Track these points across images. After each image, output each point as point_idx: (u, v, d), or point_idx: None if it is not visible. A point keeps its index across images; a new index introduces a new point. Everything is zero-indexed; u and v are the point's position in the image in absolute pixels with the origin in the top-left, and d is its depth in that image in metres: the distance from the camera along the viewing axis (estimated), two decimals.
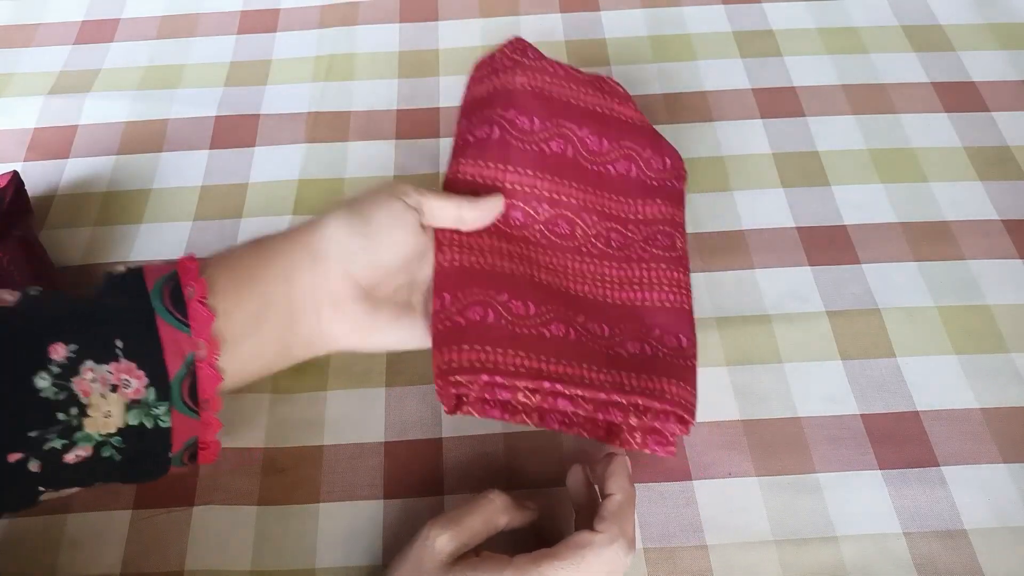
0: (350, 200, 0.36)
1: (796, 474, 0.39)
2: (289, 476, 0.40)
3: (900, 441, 0.40)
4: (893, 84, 0.54)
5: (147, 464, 0.32)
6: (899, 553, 0.37)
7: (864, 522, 0.38)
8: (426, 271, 0.38)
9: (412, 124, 0.53)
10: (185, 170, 0.51)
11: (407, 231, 0.36)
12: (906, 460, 0.39)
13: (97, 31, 0.60)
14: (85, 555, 0.37)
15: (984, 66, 0.55)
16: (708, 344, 0.43)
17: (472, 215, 0.38)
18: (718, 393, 0.41)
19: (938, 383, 0.42)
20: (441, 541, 0.32)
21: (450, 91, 0.55)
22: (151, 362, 0.30)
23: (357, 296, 0.35)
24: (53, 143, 0.53)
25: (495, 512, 0.34)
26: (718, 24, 0.58)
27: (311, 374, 0.42)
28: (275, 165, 0.51)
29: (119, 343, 0.30)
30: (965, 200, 0.48)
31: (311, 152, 0.52)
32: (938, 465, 0.39)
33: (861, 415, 0.41)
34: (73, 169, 0.52)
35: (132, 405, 0.30)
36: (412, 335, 0.37)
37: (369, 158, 0.52)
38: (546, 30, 0.58)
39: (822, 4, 0.59)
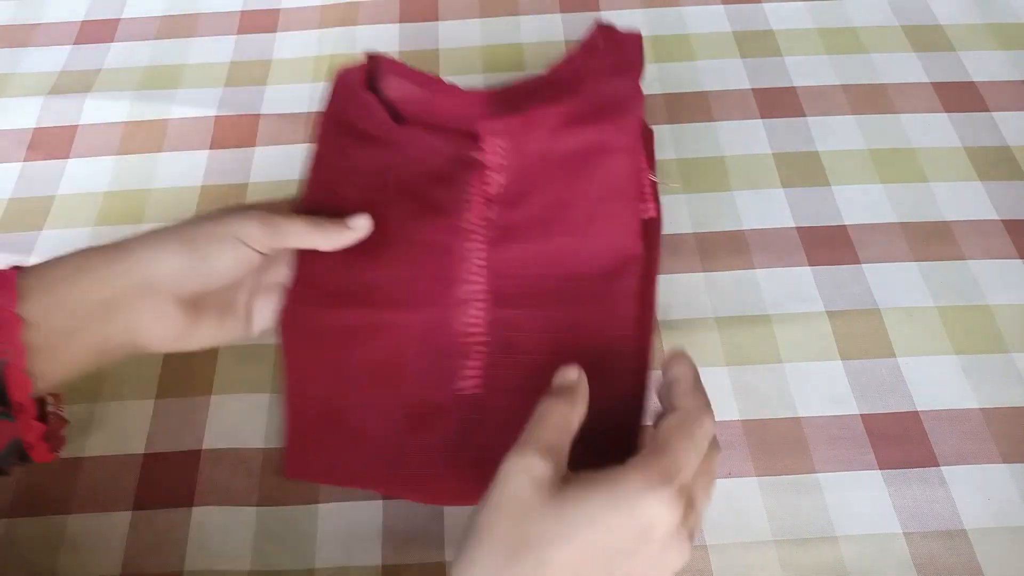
0: (183, 228, 0.35)
1: (796, 474, 0.39)
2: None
3: (900, 441, 0.40)
4: (893, 84, 0.54)
5: None
6: (899, 553, 0.37)
7: (864, 522, 0.38)
8: (258, 278, 0.38)
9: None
10: (185, 170, 0.51)
11: (240, 261, 0.35)
12: (906, 460, 0.39)
13: (97, 31, 0.60)
14: (85, 556, 0.37)
15: (984, 66, 0.55)
16: (708, 344, 0.43)
17: (325, 240, 0.37)
18: (718, 393, 0.41)
19: (938, 383, 0.42)
20: (538, 470, 0.27)
21: None
22: None
23: (179, 309, 0.35)
24: (53, 143, 0.53)
25: (563, 415, 0.30)
26: (718, 24, 0.58)
27: None
28: (275, 165, 0.51)
29: None
30: (965, 200, 0.48)
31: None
32: (938, 465, 0.39)
33: (861, 415, 0.41)
34: (73, 169, 0.52)
35: None
36: (233, 333, 0.38)
37: None
38: (546, 30, 0.58)
39: (822, 4, 0.59)
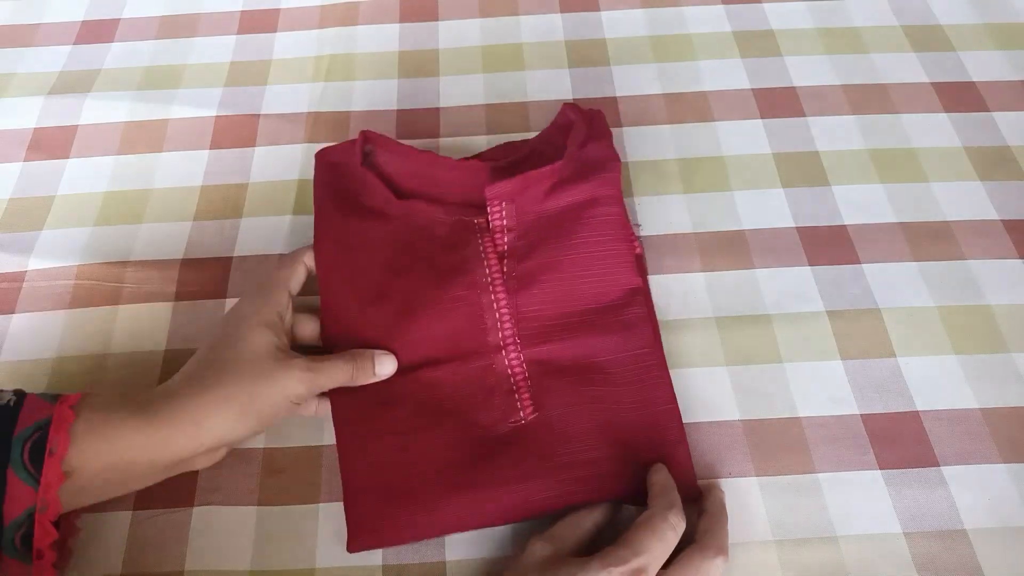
0: (240, 392, 0.36)
1: (796, 474, 0.39)
2: (289, 476, 0.40)
3: (900, 441, 0.40)
4: (893, 84, 0.54)
5: None
6: (899, 553, 0.37)
7: (864, 522, 0.38)
8: None
9: (412, 124, 0.53)
10: (185, 170, 0.51)
11: (288, 413, 0.39)
12: (906, 460, 0.39)
13: (97, 31, 0.60)
14: (85, 556, 0.37)
15: (984, 66, 0.55)
16: (708, 344, 0.43)
17: (364, 376, 0.40)
18: (718, 393, 0.41)
19: (938, 383, 0.42)
20: (537, 548, 0.34)
21: (450, 91, 0.55)
22: None
23: (229, 447, 0.39)
24: (53, 143, 0.53)
25: (580, 518, 0.36)
26: (718, 24, 0.58)
27: None
28: (275, 165, 0.51)
29: None
30: (965, 200, 0.48)
31: (311, 152, 0.52)
32: (938, 465, 0.39)
33: (861, 415, 0.41)
34: (73, 169, 0.52)
35: None
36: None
37: None
38: (546, 30, 0.58)
39: (822, 4, 0.59)
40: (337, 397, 0.40)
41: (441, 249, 0.43)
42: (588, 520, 0.36)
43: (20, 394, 0.34)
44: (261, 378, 0.36)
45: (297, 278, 0.42)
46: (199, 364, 0.38)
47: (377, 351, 0.40)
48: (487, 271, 0.42)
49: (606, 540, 0.34)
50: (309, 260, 0.43)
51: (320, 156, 0.47)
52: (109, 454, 0.34)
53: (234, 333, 0.38)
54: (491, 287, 0.42)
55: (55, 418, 0.33)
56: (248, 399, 0.36)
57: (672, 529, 0.34)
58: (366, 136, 0.46)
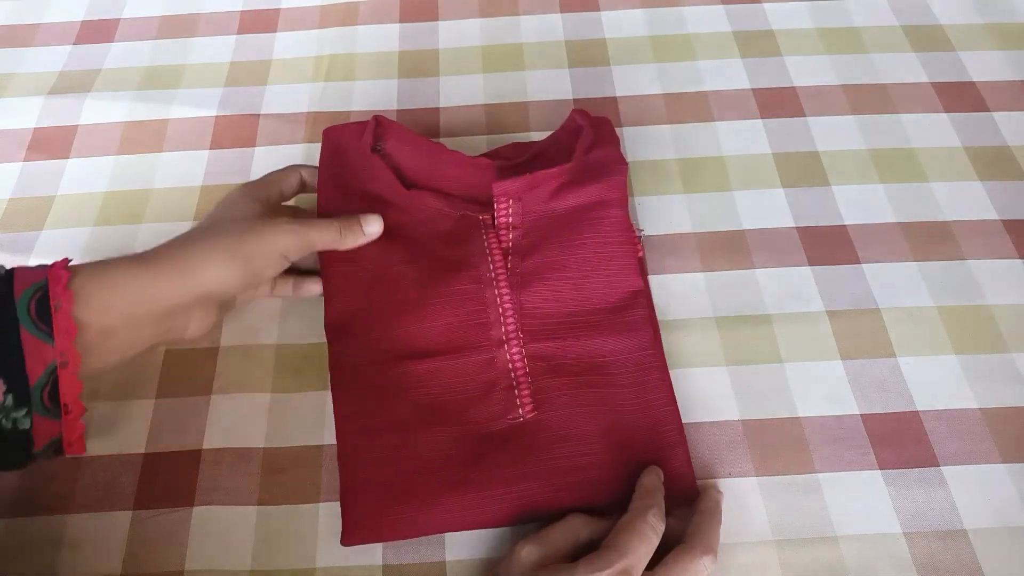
0: (231, 241, 0.38)
1: (796, 474, 0.39)
2: (289, 476, 0.40)
3: (900, 441, 0.40)
4: (893, 84, 0.54)
5: (9, 456, 0.33)
6: (899, 553, 0.37)
7: (864, 522, 0.38)
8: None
9: (412, 124, 0.53)
10: (185, 170, 0.51)
11: (278, 269, 0.40)
12: (906, 460, 0.39)
13: (97, 31, 0.60)
14: (85, 555, 0.37)
15: (984, 66, 0.55)
16: (708, 344, 0.43)
17: (345, 244, 0.41)
18: (718, 393, 0.41)
19: (938, 383, 0.42)
20: (525, 552, 0.34)
21: (450, 91, 0.55)
22: (11, 371, 0.32)
23: (219, 308, 0.40)
24: (53, 143, 0.53)
25: (577, 526, 0.36)
26: (718, 24, 0.58)
27: (311, 374, 0.42)
28: (275, 165, 0.51)
29: None
30: (965, 200, 0.48)
31: (311, 152, 0.52)
32: (938, 465, 0.39)
33: (861, 415, 0.41)
34: (73, 169, 0.52)
35: None
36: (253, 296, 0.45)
37: None
38: (546, 30, 0.58)
39: (822, 4, 0.59)
40: (338, 390, 0.40)
41: (445, 243, 0.43)
42: (584, 530, 0.36)
43: (5, 268, 0.35)
44: (250, 232, 0.38)
45: (290, 181, 0.44)
46: (191, 229, 0.39)
47: (364, 214, 0.42)
48: (491, 267, 0.42)
49: (596, 549, 0.34)
50: (306, 173, 0.45)
51: (328, 134, 0.47)
52: (110, 299, 0.34)
53: (225, 202, 0.41)
54: (495, 282, 0.42)
55: (51, 276, 0.34)
56: (236, 246, 0.37)
57: (652, 529, 0.34)
58: (378, 121, 0.46)
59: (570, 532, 0.36)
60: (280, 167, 0.45)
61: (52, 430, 0.34)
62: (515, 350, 0.41)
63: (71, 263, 0.35)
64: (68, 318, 0.33)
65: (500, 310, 0.41)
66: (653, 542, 0.34)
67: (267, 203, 0.42)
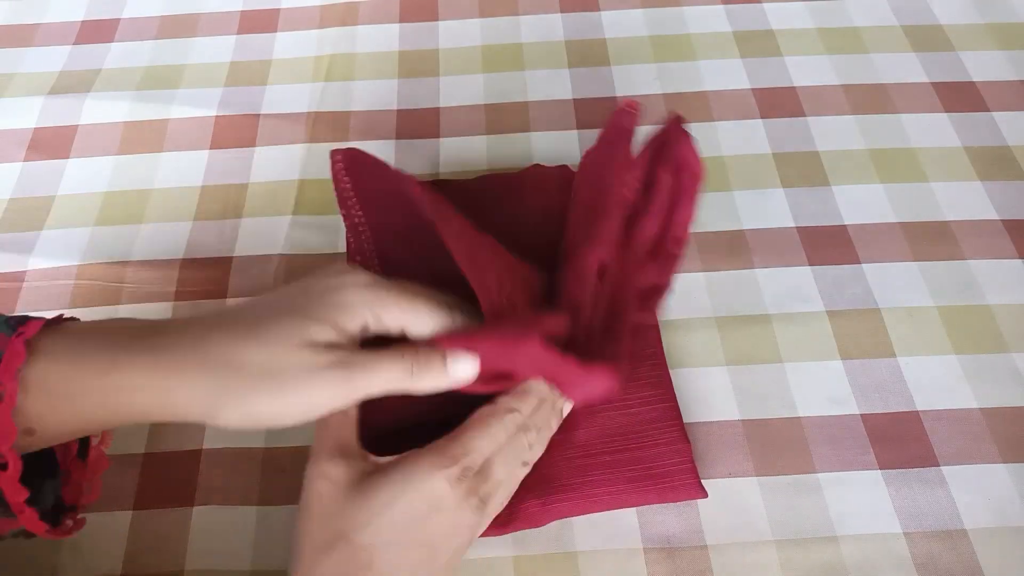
0: (237, 372, 0.29)
1: (796, 474, 0.39)
2: (289, 476, 0.39)
3: (900, 441, 0.40)
4: (893, 84, 0.54)
5: None
6: (899, 553, 0.37)
7: (864, 522, 0.38)
8: None
9: (412, 124, 0.53)
10: (185, 170, 0.51)
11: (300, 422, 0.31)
12: (906, 460, 0.39)
13: (97, 31, 0.60)
14: (85, 555, 0.37)
15: (984, 66, 0.55)
16: (708, 344, 0.43)
17: (430, 378, 0.32)
18: (718, 393, 0.41)
19: (938, 383, 0.42)
20: (332, 472, 0.30)
21: (450, 91, 0.55)
22: None
23: None
24: (53, 143, 0.53)
25: (344, 408, 0.31)
26: (718, 24, 0.58)
27: None
28: (275, 165, 0.51)
29: None
30: (965, 200, 0.48)
31: (311, 152, 0.52)
32: (938, 465, 0.39)
33: (861, 415, 0.41)
34: (73, 169, 0.52)
35: None
36: None
37: None
38: (546, 30, 0.58)
39: (822, 4, 0.59)
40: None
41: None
42: (351, 400, 0.30)
43: None
44: (268, 379, 0.29)
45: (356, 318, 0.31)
46: (220, 328, 0.30)
47: (449, 348, 0.31)
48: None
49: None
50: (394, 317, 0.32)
51: (338, 158, 0.40)
52: (72, 413, 0.29)
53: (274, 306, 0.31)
54: None
55: (5, 356, 0.27)
56: (238, 399, 0.29)
57: (502, 427, 0.32)
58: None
59: (345, 422, 0.32)
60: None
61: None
62: None
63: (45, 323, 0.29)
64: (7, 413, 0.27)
65: None
66: (501, 442, 0.32)
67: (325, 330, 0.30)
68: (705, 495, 0.38)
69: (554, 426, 0.36)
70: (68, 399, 0.28)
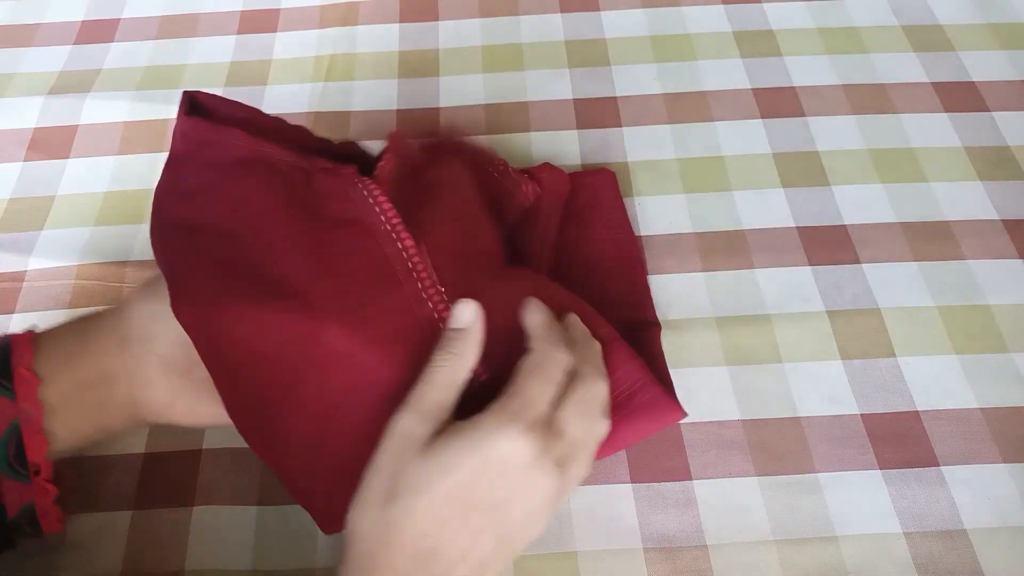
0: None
1: (796, 474, 0.39)
2: None
3: (900, 441, 0.40)
4: (893, 84, 0.54)
5: None
6: (899, 553, 0.37)
7: (864, 522, 0.38)
8: None
9: (412, 124, 0.53)
10: None
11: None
12: (906, 460, 0.39)
13: (97, 31, 0.60)
14: (85, 555, 0.37)
15: (984, 66, 0.55)
16: (708, 344, 0.43)
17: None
18: (718, 393, 0.41)
19: (938, 383, 0.42)
20: (414, 431, 0.29)
21: (450, 91, 0.55)
22: None
23: (174, 372, 0.33)
24: (53, 143, 0.53)
25: (455, 366, 0.31)
26: (718, 24, 0.58)
27: None
28: None
29: None
30: (965, 200, 0.48)
31: None
32: (938, 465, 0.39)
33: (861, 415, 0.41)
34: (73, 169, 0.52)
35: None
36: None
37: None
38: (546, 30, 0.58)
39: (822, 4, 0.59)
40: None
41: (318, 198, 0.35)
42: (456, 375, 0.31)
43: None
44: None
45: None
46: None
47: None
48: (382, 218, 0.34)
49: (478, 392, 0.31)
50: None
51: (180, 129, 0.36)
52: (66, 357, 0.33)
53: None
54: (391, 234, 0.34)
55: (13, 339, 0.32)
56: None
57: (558, 369, 0.30)
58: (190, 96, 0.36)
59: (450, 383, 0.31)
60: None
61: (21, 496, 0.32)
62: (440, 306, 0.33)
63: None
64: (28, 372, 0.31)
65: (405, 264, 0.34)
66: (558, 381, 0.30)
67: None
68: (683, 412, 0.35)
69: (599, 362, 0.33)
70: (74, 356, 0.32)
